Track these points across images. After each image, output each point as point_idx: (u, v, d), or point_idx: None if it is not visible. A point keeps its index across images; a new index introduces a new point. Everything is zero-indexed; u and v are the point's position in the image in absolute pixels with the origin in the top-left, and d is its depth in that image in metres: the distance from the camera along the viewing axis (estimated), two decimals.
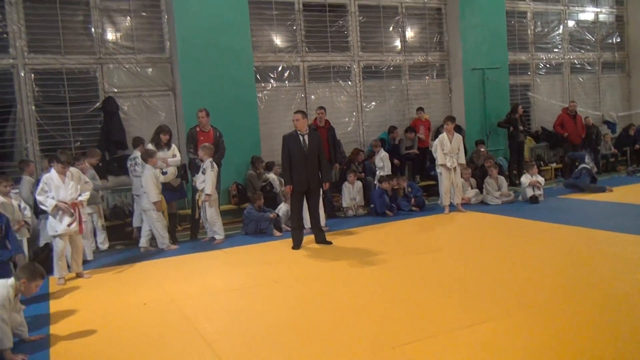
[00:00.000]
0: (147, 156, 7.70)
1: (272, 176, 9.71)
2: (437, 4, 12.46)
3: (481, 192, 10.13)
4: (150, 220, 7.72)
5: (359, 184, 9.86)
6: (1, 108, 8.73)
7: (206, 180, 7.94)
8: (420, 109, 11.71)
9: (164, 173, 7.88)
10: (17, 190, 7.54)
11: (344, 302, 4.99)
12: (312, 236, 7.69)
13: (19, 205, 6.80)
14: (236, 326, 4.60)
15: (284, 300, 5.22)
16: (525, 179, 9.95)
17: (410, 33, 12.31)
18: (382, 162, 10.16)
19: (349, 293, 5.28)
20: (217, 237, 8.10)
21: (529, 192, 9.76)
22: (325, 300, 5.09)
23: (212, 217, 8.10)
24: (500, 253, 6.47)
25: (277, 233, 8.33)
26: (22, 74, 8.80)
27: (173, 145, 8.34)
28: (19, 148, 8.82)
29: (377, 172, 10.08)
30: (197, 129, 8.54)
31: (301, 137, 7.40)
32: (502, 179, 10.18)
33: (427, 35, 12.45)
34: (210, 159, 8.05)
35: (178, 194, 8.29)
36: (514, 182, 11.60)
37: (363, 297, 5.13)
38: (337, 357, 3.82)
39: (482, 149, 11.70)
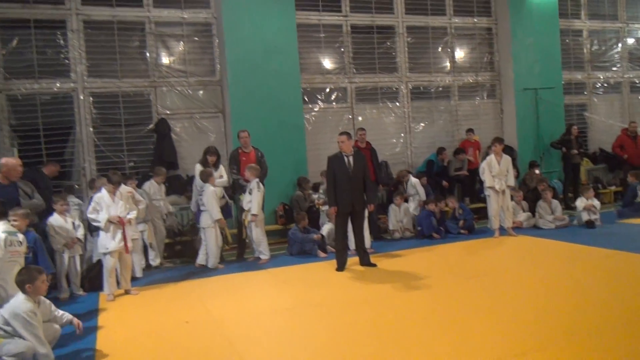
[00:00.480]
0: (206, 176, 7.95)
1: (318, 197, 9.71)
2: (488, 24, 12.29)
3: (534, 215, 9.79)
4: (207, 238, 7.89)
5: (405, 205, 9.73)
6: (62, 130, 9.15)
7: (252, 201, 8.04)
8: (469, 130, 11.51)
9: None
10: (76, 207, 7.90)
11: (388, 327, 4.89)
12: (357, 258, 7.62)
13: (74, 223, 7.07)
14: (276, 349, 4.58)
15: (325, 323, 5.16)
16: (580, 202, 9.57)
17: (459, 53, 12.18)
18: (415, 188, 9.94)
19: (393, 318, 5.17)
20: (262, 257, 8.16)
21: (585, 217, 9.36)
22: (368, 325, 5.00)
23: (257, 237, 8.17)
24: (552, 279, 6.21)
25: (322, 254, 8.30)
26: (82, 97, 9.23)
27: (221, 166, 8.51)
28: (77, 168, 9.21)
29: (410, 199, 9.87)
30: (239, 151, 8.70)
31: (346, 159, 7.39)
32: (555, 202, 9.81)
33: (477, 55, 12.28)
34: (257, 179, 8.15)
35: (224, 214, 8.39)
36: (569, 205, 11.17)
37: (407, 322, 5.01)
38: None
39: (537, 171, 11.34)
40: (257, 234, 8.16)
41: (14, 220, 5.53)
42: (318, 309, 5.63)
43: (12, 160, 6.49)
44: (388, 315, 5.27)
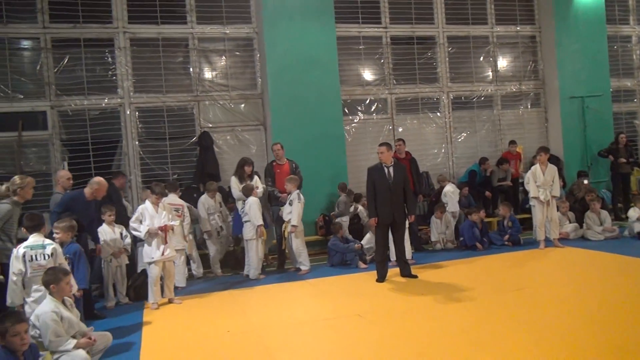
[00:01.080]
0: (248, 191, 8.09)
1: (360, 208, 9.69)
2: (531, 32, 12.08)
3: (581, 226, 9.49)
4: (250, 249, 8.02)
5: (447, 217, 9.58)
6: (109, 143, 9.48)
7: (293, 212, 8.08)
8: (512, 142, 11.27)
9: None
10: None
11: (428, 340, 4.81)
12: (398, 269, 7.55)
13: (121, 234, 7.28)
14: (316, 359, 4.57)
15: (365, 335, 5.13)
16: (634, 212, 9.19)
17: (502, 62, 12.00)
18: (446, 197, 9.76)
19: (433, 330, 5.09)
20: (302, 267, 8.18)
21: (637, 227, 9.01)
22: (408, 337, 4.94)
23: (298, 248, 8.20)
24: (599, 293, 5.99)
25: (362, 265, 8.27)
26: (128, 112, 9.54)
27: (256, 177, 8.60)
28: None
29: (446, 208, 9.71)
30: (274, 163, 8.81)
31: (386, 170, 7.36)
32: (604, 212, 9.48)
33: (521, 64, 12.07)
34: (298, 191, 8.20)
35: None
36: (619, 216, 10.79)
37: (448, 335, 4.92)
38: None
39: (585, 181, 11.00)
40: (297, 245, 8.20)
41: (56, 233, 5.61)
42: (358, 319, 5.60)
43: (104, 182, 6.76)
44: (428, 327, 5.20)
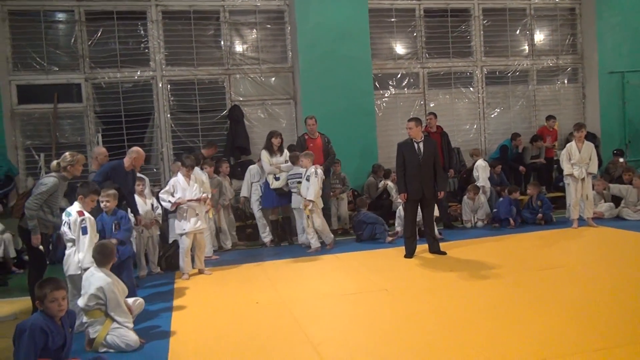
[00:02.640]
0: (295, 159, 8.21)
1: (389, 184, 9.64)
2: (570, 4, 11.66)
3: (617, 205, 9.26)
4: (300, 217, 8.19)
5: (480, 198, 9.42)
6: (142, 116, 9.61)
7: (310, 187, 7.91)
8: (551, 117, 10.96)
9: (276, 179, 8.18)
10: None
11: (452, 317, 4.80)
12: (427, 245, 7.52)
13: (152, 205, 7.41)
14: (343, 332, 4.62)
15: (391, 309, 5.15)
16: None
17: (539, 35, 11.64)
18: (477, 171, 9.59)
19: (459, 307, 5.06)
20: (326, 241, 8.15)
21: None
22: (433, 313, 4.94)
23: (319, 225, 8.08)
24: (633, 274, 5.86)
25: (390, 239, 8.25)
26: (160, 85, 9.63)
27: (285, 150, 8.60)
28: (155, 153, 9.64)
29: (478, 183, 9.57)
30: (306, 137, 8.77)
31: (416, 145, 7.28)
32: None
33: (559, 37, 11.69)
34: (315, 166, 8.10)
35: (287, 200, 8.47)
36: None
37: (474, 312, 4.89)
38: None
39: (621, 160, 10.70)
40: (318, 223, 8.06)
41: (107, 201, 5.78)
42: (384, 294, 5.62)
43: (142, 151, 6.87)
44: (453, 304, 5.17)
